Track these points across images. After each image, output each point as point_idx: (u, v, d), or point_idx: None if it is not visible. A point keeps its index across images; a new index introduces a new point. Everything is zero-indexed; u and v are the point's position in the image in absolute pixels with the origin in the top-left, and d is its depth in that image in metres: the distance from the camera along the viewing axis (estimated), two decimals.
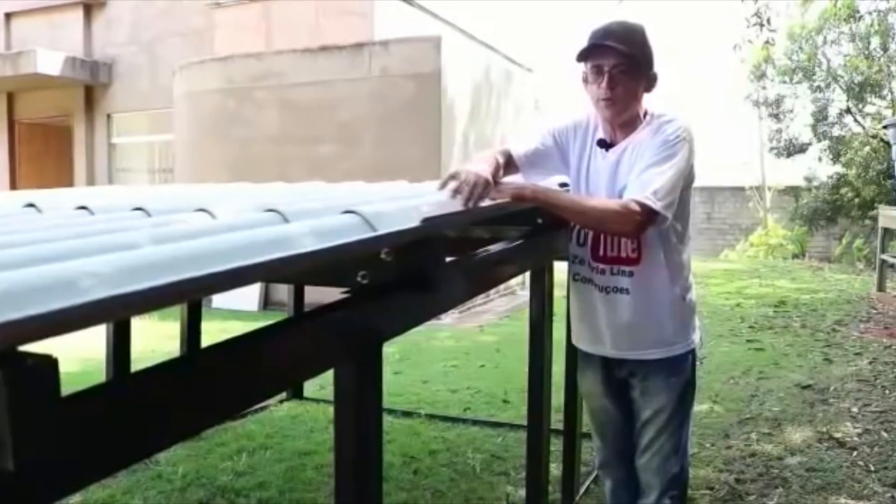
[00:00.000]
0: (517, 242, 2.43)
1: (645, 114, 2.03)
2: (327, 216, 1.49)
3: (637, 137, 1.99)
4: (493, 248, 2.27)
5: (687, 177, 1.95)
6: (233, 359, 1.32)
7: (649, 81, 2.00)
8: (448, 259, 2.07)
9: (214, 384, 1.25)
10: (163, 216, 1.71)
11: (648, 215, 1.83)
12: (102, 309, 0.92)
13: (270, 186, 2.93)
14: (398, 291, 1.56)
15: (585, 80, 2.00)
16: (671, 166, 1.87)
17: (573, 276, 2.19)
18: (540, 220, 2.60)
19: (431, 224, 1.45)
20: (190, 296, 1.08)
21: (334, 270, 1.56)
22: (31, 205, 2.00)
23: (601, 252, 2.06)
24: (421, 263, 1.56)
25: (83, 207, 1.88)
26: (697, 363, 2.21)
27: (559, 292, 2.85)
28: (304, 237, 1.37)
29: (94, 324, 0.93)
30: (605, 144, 2.05)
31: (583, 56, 1.96)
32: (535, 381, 2.65)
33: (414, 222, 1.45)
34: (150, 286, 0.99)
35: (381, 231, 1.45)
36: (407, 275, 1.55)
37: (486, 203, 1.84)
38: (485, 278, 2.10)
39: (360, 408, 1.49)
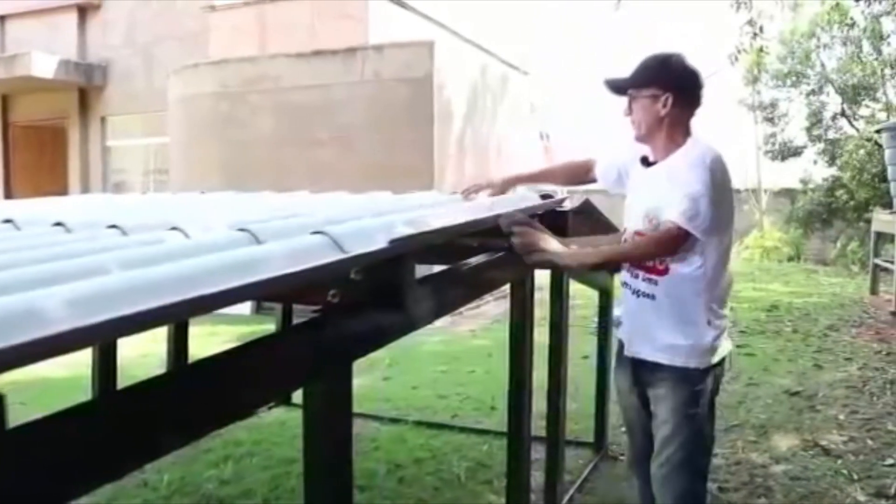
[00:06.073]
0: (498, 255, 2.45)
1: (686, 137, 2.20)
2: (297, 237, 1.50)
3: (673, 161, 2.16)
4: (474, 260, 2.29)
5: (721, 199, 2.09)
6: (200, 380, 1.33)
7: (670, 103, 2.15)
8: (440, 268, 2.10)
9: (181, 406, 1.26)
10: (137, 235, 1.72)
11: (679, 235, 2.03)
12: (64, 341, 0.93)
13: (250, 199, 2.94)
14: (369, 309, 1.57)
15: None
16: (695, 189, 2.02)
17: (620, 281, 2.39)
18: None
19: (398, 245, 1.46)
20: (154, 325, 1.09)
21: (305, 289, 1.57)
22: (9, 220, 2.02)
23: None
24: (391, 282, 1.57)
25: (60, 224, 1.90)
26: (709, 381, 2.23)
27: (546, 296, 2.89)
28: (274, 259, 1.38)
29: (56, 355, 0.94)
30: (647, 161, 2.27)
31: (612, 91, 2.27)
32: (516, 391, 2.67)
33: (381, 243, 1.46)
34: (111, 317, 1.00)
35: (350, 251, 1.47)
36: (377, 293, 1.57)
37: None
38: (462, 293, 2.11)
39: (331, 429, 1.50)
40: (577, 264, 2.20)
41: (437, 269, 2.14)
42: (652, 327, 2.21)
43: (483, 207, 2.46)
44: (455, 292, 1.98)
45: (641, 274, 2.23)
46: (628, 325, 2.34)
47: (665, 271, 2.17)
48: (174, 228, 1.69)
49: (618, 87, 2.25)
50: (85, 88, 11.49)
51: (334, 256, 1.44)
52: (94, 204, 3.11)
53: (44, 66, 10.65)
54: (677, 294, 2.16)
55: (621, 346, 2.43)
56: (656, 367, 2.21)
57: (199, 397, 1.27)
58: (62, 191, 11.21)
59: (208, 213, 2.16)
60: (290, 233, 1.56)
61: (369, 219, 1.80)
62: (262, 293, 1.27)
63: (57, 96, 11.52)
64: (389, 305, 1.56)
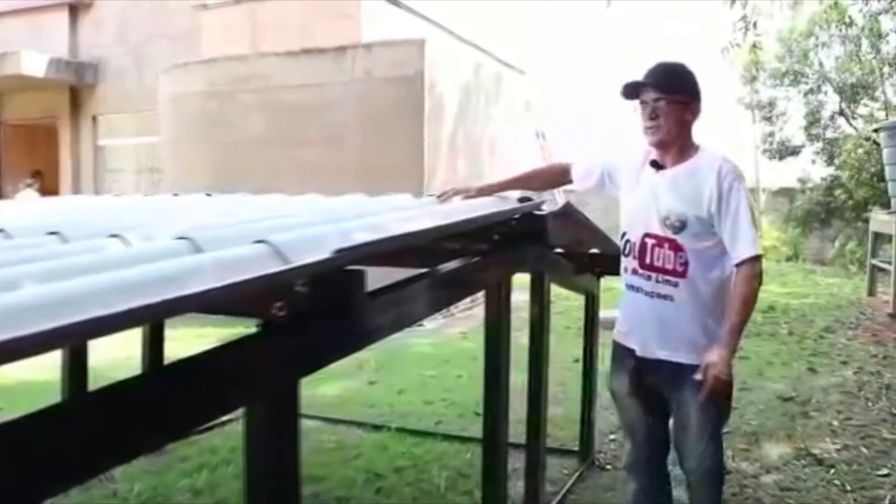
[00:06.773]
0: (473, 260, 2.35)
1: (696, 146, 2.28)
2: (238, 246, 1.41)
3: (688, 165, 2.24)
4: (449, 265, 2.19)
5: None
6: (132, 399, 1.23)
7: (692, 111, 2.25)
8: (419, 271, 1.99)
9: (106, 430, 1.16)
10: (77, 242, 1.63)
11: (758, 262, 2.16)
12: None
13: (220, 202, 2.83)
14: (317, 324, 1.47)
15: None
16: (744, 211, 2.17)
17: (623, 284, 2.40)
18: (496, 237, 2.53)
19: (342, 255, 1.36)
20: (67, 342, 1.00)
21: (248, 302, 1.47)
22: None
23: (648, 261, 2.27)
24: (339, 294, 1.47)
25: (0, 230, 1.80)
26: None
27: (524, 297, 2.81)
28: (208, 271, 1.29)
29: None
30: (658, 165, 2.30)
31: (626, 96, 2.27)
32: (492, 396, 2.56)
33: (325, 253, 1.36)
34: (15, 336, 0.91)
35: (293, 262, 1.37)
36: (324, 306, 1.46)
37: None
38: (426, 302, 2.01)
39: (275, 454, 1.40)
40: (734, 350, 2.20)
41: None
42: (671, 328, 2.24)
43: (457, 211, 2.36)
44: (416, 303, 1.87)
45: (657, 276, 2.25)
46: (639, 328, 2.33)
47: (684, 273, 2.21)
48: (114, 236, 1.59)
49: (635, 89, 2.24)
50: (76, 87, 11.39)
51: (275, 267, 1.34)
52: (51, 208, 3.01)
53: (34, 65, 10.54)
54: (699, 294, 2.21)
55: (619, 349, 2.41)
56: (678, 367, 2.22)
57: (120, 421, 1.17)
58: (54, 190, 11.11)
59: (164, 219, 2.06)
60: (234, 241, 1.46)
61: (324, 225, 1.71)
62: (189, 307, 1.17)
63: (48, 95, 11.41)
64: (337, 319, 1.46)
